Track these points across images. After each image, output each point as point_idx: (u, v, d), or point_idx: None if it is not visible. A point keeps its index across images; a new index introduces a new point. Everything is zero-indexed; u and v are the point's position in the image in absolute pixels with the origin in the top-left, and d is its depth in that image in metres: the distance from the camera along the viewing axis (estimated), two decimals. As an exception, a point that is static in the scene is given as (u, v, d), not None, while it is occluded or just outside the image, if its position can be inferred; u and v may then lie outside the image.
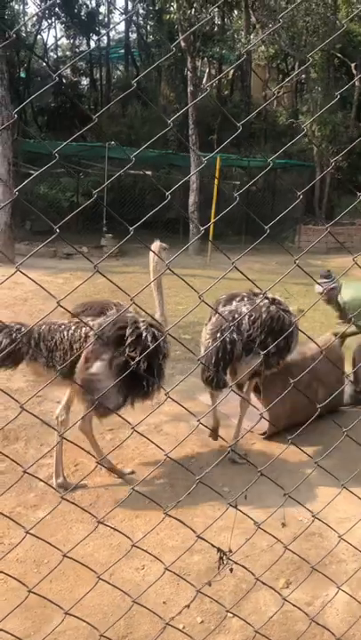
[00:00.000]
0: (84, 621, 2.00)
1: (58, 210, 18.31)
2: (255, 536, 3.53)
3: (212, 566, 3.29)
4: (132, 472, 4.29)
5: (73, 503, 1.94)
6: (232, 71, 26.07)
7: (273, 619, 2.85)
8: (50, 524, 3.56)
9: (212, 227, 14.74)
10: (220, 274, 1.96)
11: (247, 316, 4.43)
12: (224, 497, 3.48)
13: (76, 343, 3.84)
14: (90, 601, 2.96)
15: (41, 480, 2.14)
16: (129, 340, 3.81)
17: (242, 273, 1.72)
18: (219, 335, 4.31)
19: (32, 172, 17.60)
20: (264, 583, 2.32)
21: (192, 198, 16.60)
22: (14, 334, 3.74)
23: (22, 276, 1.66)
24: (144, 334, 3.86)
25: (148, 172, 17.31)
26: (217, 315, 4.48)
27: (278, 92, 23.66)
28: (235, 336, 4.33)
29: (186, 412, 2.23)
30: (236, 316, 4.45)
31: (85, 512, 2.37)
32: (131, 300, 1.66)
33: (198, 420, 1.97)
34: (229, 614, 2.80)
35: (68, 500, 1.77)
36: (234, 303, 4.60)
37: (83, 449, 2.57)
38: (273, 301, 4.57)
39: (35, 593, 1.70)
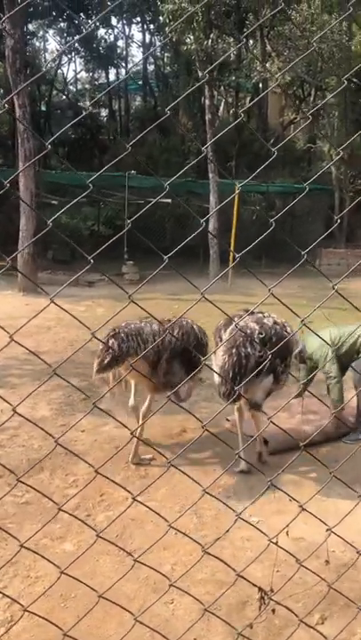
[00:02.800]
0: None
1: (79, 239, 18.53)
2: (285, 567, 3.44)
3: (242, 600, 3.20)
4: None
5: (104, 539, 1.89)
6: (248, 98, 26.40)
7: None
8: (76, 557, 3.51)
9: (232, 252, 14.75)
10: (241, 298, 1.94)
11: (257, 336, 4.54)
12: (253, 527, 3.40)
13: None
14: (117, 637, 2.89)
15: (71, 515, 2.10)
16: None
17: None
18: (234, 351, 4.44)
19: (53, 202, 17.91)
20: (304, 622, 2.22)
21: (212, 224, 16.68)
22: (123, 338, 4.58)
23: (44, 305, 1.66)
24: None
25: (168, 200, 17.45)
26: (226, 333, 4.72)
27: (305, 118, 23.84)
28: (249, 350, 4.45)
29: (211, 440, 2.19)
30: (248, 331, 4.56)
31: (112, 544, 2.31)
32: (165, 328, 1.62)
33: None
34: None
35: (101, 537, 1.72)
36: (241, 322, 4.74)
37: (109, 478, 2.53)
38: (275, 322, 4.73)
39: (68, 635, 1.65)
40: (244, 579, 1.97)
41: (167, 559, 3.59)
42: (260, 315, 4.78)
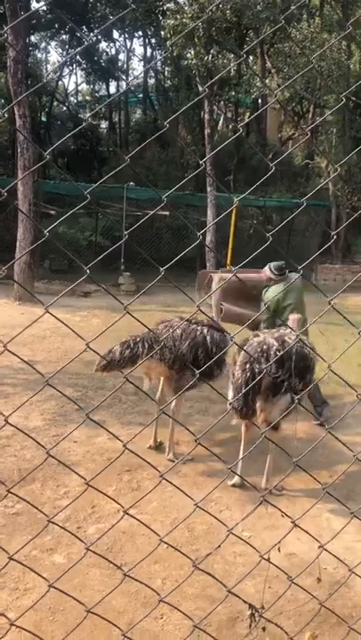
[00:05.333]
0: None
1: (77, 249, 18.54)
2: (276, 584, 3.41)
3: (233, 616, 3.17)
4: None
5: (95, 552, 1.87)
6: (247, 114, 26.60)
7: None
8: (66, 569, 3.46)
9: (228, 266, 14.79)
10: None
11: (273, 354, 4.52)
12: (245, 542, 3.37)
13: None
14: (106, 652, 2.85)
15: (62, 527, 2.08)
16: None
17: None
18: (248, 366, 4.52)
19: (52, 212, 17.93)
20: None
21: (209, 237, 16.73)
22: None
23: (40, 314, 1.65)
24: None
25: (166, 213, 17.53)
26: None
27: (303, 135, 24.04)
28: (263, 367, 4.50)
29: (204, 454, 2.17)
30: (265, 347, 4.59)
31: (102, 557, 2.29)
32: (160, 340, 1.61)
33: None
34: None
35: (91, 551, 1.70)
36: (260, 337, 4.77)
37: (100, 491, 2.51)
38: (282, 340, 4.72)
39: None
40: (236, 595, 1.95)
41: (158, 573, 3.55)
42: (283, 331, 4.81)
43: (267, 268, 6.35)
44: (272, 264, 6.30)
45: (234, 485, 4.66)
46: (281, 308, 6.15)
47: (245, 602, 2.07)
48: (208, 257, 16.98)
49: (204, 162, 15.75)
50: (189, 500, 2.10)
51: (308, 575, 3.21)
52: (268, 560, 1.98)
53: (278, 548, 2.22)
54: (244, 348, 4.63)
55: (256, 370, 4.48)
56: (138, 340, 4.98)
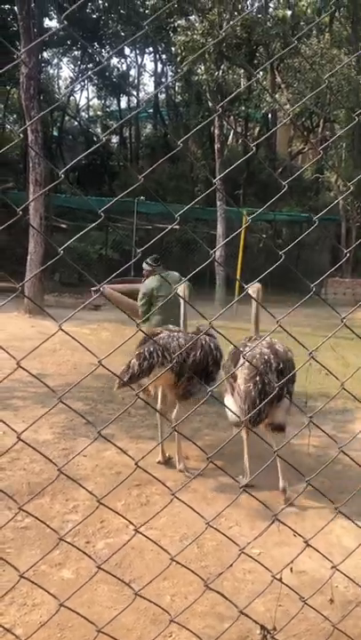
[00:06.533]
0: None
1: (87, 262, 18.64)
2: (287, 602, 3.37)
3: (243, 635, 3.13)
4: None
5: (104, 570, 1.86)
6: (257, 128, 26.78)
7: None
8: (75, 585, 3.44)
9: (238, 279, 14.79)
10: (247, 325, 1.93)
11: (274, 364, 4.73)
12: (256, 561, 3.34)
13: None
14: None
15: (71, 544, 2.07)
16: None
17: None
18: (259, 379, 4.63)
19: (63, 225, 18.08)
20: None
21: (218, 252, 16.79)
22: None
23: (50, 327, 1.67)
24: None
25: (177, 226, 17.62)
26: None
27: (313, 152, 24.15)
28: (270, 377, 4.66)
29: (213, 467, 2.16)
30: (266, 358, 4.74)
31: (111, 575, 2.27)
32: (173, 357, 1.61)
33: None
34: None
35: (102, 569, 1.69)
36: (257, 349, 4.90)
37: (111, 508, 2.50)
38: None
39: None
40: (247, 615, 1.93)
41: (167, 590, 3.52)
42: (271, 340, 4.97)
43: (144, 264, 7.52)
44: (148, 259, 7.50)
45: (246, 486, 4.67)
46: (155, 298, 7.01)
47: (257, 622, 2.05)
48: (217, 270, 17.01)
49: (217, 180, 15.84)
50: (199, 514, 2.09)
51: (320, 594, 3.17)
52: (280, 580, 1.96)
53: (290, 569, 2.20)
54: (246, 360, 4.77)
55: (266, 381, 4.62)
56: (151, 350, 5.04)
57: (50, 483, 4.48)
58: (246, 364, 4.73)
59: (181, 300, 5.73)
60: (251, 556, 2.51)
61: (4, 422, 1.75)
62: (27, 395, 6.93)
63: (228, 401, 4.88)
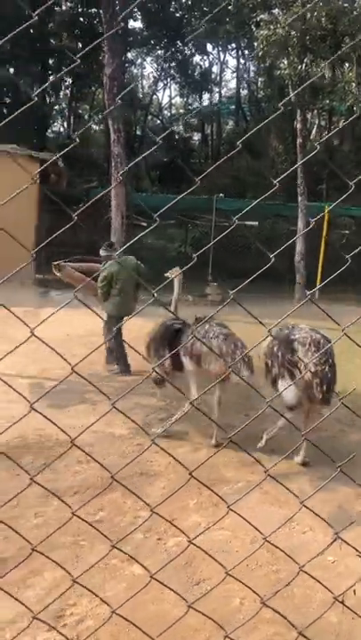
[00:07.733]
0: None
1: (167, 260, 18.82)
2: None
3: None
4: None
5: (160, 584, 1.85)
6: (342, 121, 25.97)
7: None
8: (144, 580, 3.47)
9: (319, 276, 14.44)
10: (326, 324, 1.85)
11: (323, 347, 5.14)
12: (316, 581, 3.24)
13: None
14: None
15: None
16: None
17: (352, 340, 1.60)
18: (331, 360, 5.08)
19: (143, 223, 18.34)
20: None
21: (298, 247, 16.44)
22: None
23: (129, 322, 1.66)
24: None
25: (255, 223, 17.43)
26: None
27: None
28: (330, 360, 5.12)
29: (284, 467, 2.08)
30: (322, 342, 5.13)
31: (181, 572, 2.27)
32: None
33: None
34: None
35: (157, 580, 1.68)
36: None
37: (169, 522, 2.49)
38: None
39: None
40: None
41: (236, 592, 3.48)
42: (302, 327, 5.34)
43: (100, 250, 8.14)
44: (103, 245, 8.26)
45: (303, 464, 5.18)
46: (114, 281, 7.72)
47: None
48: (298, 267, 16.66)
49: (295, 169, 15.49)
50: (270, 515, 2.04)
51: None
52: (341, 603, 1.89)
53: (353, 591, 2.10)
54: (300, 344, 5.13)
55: (330, 362, 5.03)
56: (227, 337, 5.54)
57: (122, 477, 4.53)
58: (312, 348, 5.08)
59: (175, 284, 6.32)
60: (309, 575, 2.42)
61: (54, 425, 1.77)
62: (105, 389, 7.07)
63: (284, 385, 5.13)
